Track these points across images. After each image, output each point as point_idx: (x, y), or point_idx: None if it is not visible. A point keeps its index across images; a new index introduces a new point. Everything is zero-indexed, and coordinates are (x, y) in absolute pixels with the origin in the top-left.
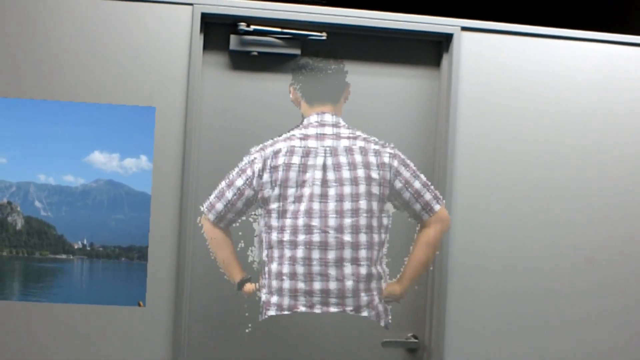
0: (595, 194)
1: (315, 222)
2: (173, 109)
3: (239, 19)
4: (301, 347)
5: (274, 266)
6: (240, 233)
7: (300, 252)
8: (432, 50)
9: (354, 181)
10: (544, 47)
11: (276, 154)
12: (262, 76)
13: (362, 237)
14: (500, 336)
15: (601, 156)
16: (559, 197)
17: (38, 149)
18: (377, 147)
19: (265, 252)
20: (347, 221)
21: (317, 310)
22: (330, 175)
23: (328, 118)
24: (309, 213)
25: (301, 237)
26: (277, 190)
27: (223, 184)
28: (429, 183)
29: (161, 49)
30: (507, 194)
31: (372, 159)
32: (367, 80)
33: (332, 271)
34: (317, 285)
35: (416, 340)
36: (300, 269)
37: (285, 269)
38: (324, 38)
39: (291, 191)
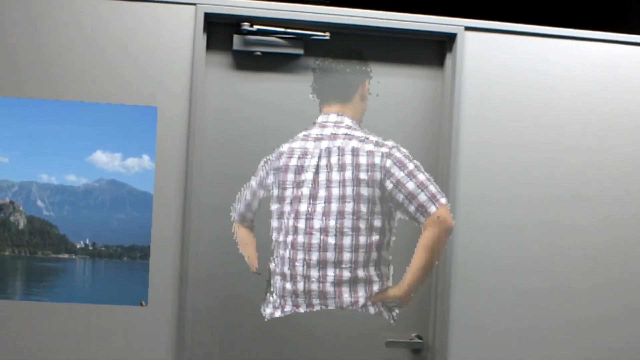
0: (599, 194)
1: (302, 224)
2: (176, 108)
3: (242, 18)
4: (305, 347)
5: (272, 266)
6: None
7: (287, 253)
8: (435, 50)
9: (342, 183)
10: (547, 46)
11: (280, 155)
12: (265, 76)
13: (347, 240)
14: (504, 336)
15: (605, 156)
16: (563, 197)
17: (40, 149)
18: (370, 147)
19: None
20: (332, 223)
21: (302, 310)
22: (322, 177)
23: (332, 118)
24: (297, 214)
25: (289, 238)
26: (276, 192)
27: (245, 184)
28: (427, 184)
29: (164, 48)
30: (510, 194)
31: (363, 160)
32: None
33: (315, 273)
34: (300, 286)
35: (420, 341)
36: (287, 270)
37: (278, 268)
38: (327, 38)
39: (288, 192)
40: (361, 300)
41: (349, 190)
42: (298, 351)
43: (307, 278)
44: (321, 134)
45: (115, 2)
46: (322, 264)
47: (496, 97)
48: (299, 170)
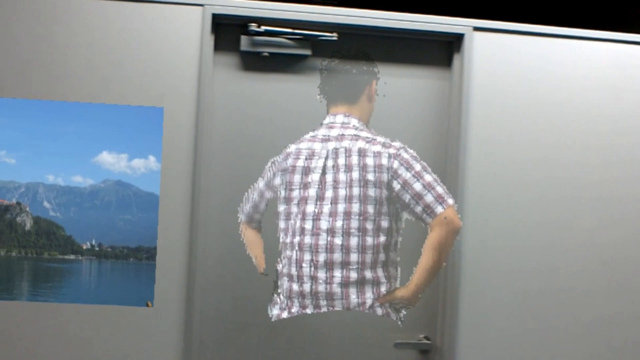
0: (609, 195)
1: (308, 225)
2: (183, 109)
3: (250, 19)
4: (313, 347)
5: (279, 267)
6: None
7: (294, 254)
8: (443, 51)
9: (349, 183)
10: (555, 46)
11: (287, 156)
12: (272, 77)
13: (353, 241)
14: (512, 338)
15: (614, 156)
16: (572, 198)
17: (47, 150)
18: (378, 148)
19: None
20: (339, 224)
21: (309, 312)
22: (329, 178)
23: (339, 119)
24: (304, 215)
25: (296, 239)
26: (283, 193)
27: (252, 185)
28: (434, 184)
29: (171, 49)
30: (519, 195)
31: (370, 161)
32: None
33: (322, 274)
34: (307, 287)
35: (428, 342)
36: (294, 271)
37: (285, 269)
38: (335, 39)
39: (295, 193)
40: (368, 302)
41: (355, 191)
42: (306, 352)
43: (314, 279)
44: (328, 135)
45: (123, 3)
46: (329, 265)
47: (504, 97)
48: (306, 171)
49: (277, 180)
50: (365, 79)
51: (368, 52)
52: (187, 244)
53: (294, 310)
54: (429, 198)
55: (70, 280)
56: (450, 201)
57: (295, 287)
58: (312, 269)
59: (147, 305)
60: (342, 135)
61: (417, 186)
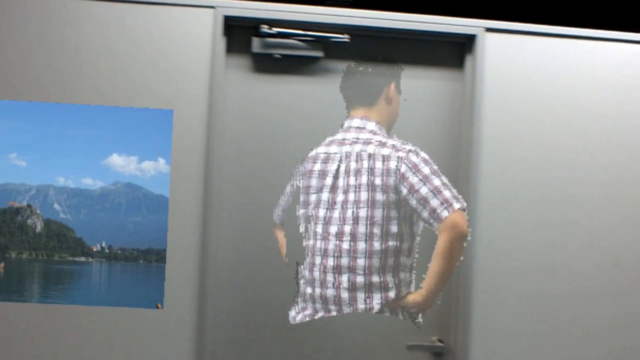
0: (623, 196)
1: (320, 229)
2: (193, 112)
3: (261, 21)
4: (326, 350)
5: (301, 269)
6: None
7: (309, 258)
8: (455, 52)
9: (358, 188)
10: (569, 47)
11: (307, 160)
12: (284, 79)
13: (360, 245)
14: (526, 340)
15: (629, 157)
16: (586, 199)
17: (57, 152)
18: (387, 151)
19: None
20: (347, 229)
21: (319, 315)
22: (340, 182)
23: (356, 122)
24: (316, 219)
25: (310, 243)
26: (302, 197)
27: (289, 187)
28: (442, 189)
29: (182, 52)
30: (532, 196)
31: (379, 165)
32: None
33: (330, 278)
34: (317, 292)
35: (441, 344)
36: (308, 274)
37: (302, 273)
38: (347, 40)
39: (312, 198)
40: (376, 307)
41: (364, 196)
42: (319, 355)
43: (323, 283)
44: (344, 139)
45: (133, 6)
46: (337, 270)
47: (517, 98)
48: (322, 175)
49: (299, 184)
50: (383, 81)
51: (390, 53)
52: (199, 246)
53: (307, 312)
54: (434, 202)
55: (81, 282)
56: (457, 206)
57: (309, 290)
58: (322, 273)
59: (157, 307)
60: (357, 139)
61: (424, 190)
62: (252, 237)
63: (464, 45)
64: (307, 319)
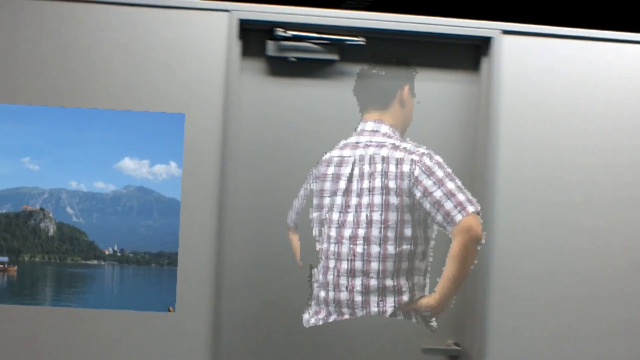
0: None
1: (333, 232)
2: (206, 115)
3: (276, 24)
4: (341, 353)
5: (314, 272)
6: None
7: (322, 261)
8: (470, 54)
9: (371, 191)
10: (587, 49)
11: (321, 163)
12: (299, 82)
13: (374, 249)
14: (544, 343)
15: None
16: (605, 201)
17: (70, 156)
18: (401, 154)
19: None
20: (360, 232)
21: (333, 318)
22: (354, 186)
23: (369, 126)
24: (330, 223)
25: (324, 246)
26: (316, 200)
27: (303, 190)
28: (456, 192)
29: (196, 55)
30: (549, 199)
31: (392, 168)
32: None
33: (344, 281)
34: (331, 295)
35: (458, 348)
36: (322, 278)
37: (316, 276)
38: (362, 43)
39: (325, 201)
40: (389, 310)
41: (377, 199)
42: (334, 358)
43: (337, 286)
44: (357, 142)
45: (148, 10)
46: (350, 273)
47: (534, 100)
48: (335, 178)
49: (312, 187)
50: (396, 84)
51: (405, 56)
52: (212, 248)
53: (320, 316)
54: (448, 206)
55: (93, 286)
56: (471, 209)
57: (322, 293)
58: (336, 276)
59: (169, 311)
60: (370, 142)
61: (438, 194)
62: (266, 240)
63: (479, 47)
64: (320, 322)
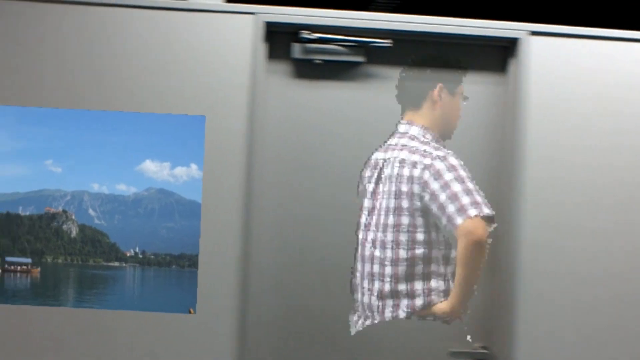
0: None
1: (361, 235)
2: (230, 117)
3: (302, 27)
4: (368, 356)
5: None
6: None
7: (354, 263)
8: (496, 56)
9: (388, 195)
10: (616, 50)
11: (365, 165)
12: (325, 84)
13: (388, 253)
14: (574, 347)
15: None
16: (635, 202)
17: (92, 159)
18: (416, 158)
19: None
20: (379, 235)
21: (361, 321)
22: (378, 188)
23: (402, 128)
24: (359, 226)
25: (357, 249)
26: (360, 202)
27: None
28: (461, 195)
29: (221, 58)
30: (578, 200)
31: (407, 172)
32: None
33: (366, 285)
34: (358, 298)
35: (485, 351)
36: (354, 280)
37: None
38: (389, 45)
39: (363, 203)
40: (402, 314)
41: (392, 203)
42: None
43: (362, 290)
44: (389, 144)
45: (171, 13)
46: (369, 277)
47: (563, 102)
48: (368, 181)
49: (359, 189)
50: (427, 85)
51: (443, 57)
52: (235, 250)
53: (354, 319)
54: (450, 209)
55: (114, 287)
56: (473, 212)
57: (356, 296)
58: (361, 279)
59: (190, 312)
60: (397, 144)
61: (442, 197)
62: (292, 243)
63: (506, 49)
64: (359, 326)
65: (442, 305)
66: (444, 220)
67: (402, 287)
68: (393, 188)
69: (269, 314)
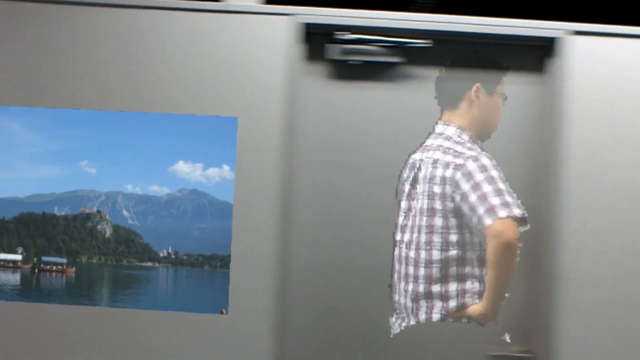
0: None
1: (398, 237)
2: (263, 118)
3: (339, 27)
4: (406, 358)
5: None
6: None
7: (392, 264)
8: (535, 55)
9: (422, 196)
10: None
11: (404, 166)
12: (362, 85)
13: (422, 254)
14: (618, 350)
15: None
16: None
17: (126, 160)
18: (449, 158)
19: None
20: (414, 237)
21: (398, 323)
22: (414, 189)
23: (439, 128)
24: (396, 226)
25: (395, 250)
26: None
27: None
28: (490, 196)
29: (257, 59)
30: (623, 201)
31: (439, 172)
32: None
33: (402, 286)
34: (395, 299)
35: (527, 355)
36: (392, 282)
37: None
38: (429, 45)
39: (401, 204)
40: (435, 316)
41: (425, 204)
42: None
43: (399, 291)
44: (426, 145)
45: (206, 15)
46: (405, 278)
47: (606, 102)
48: (405, 181)
49: (397, 190)
50: (464, 85)
51: (482, 56)
52: (267, 251)
53: (392, 321)
54: (480, 210)
55: (148, 287)
56: (503, 213)
57: (396, 298)
58: (398, 280)
59: (222, 313)
60: (432, 144)
61: (473, 198)
62: (328, 244)
63: (544, 48)
64: (397, 327)
65: (475, 307)
66: (474, 221)
67: (435, 288)
68: (427, 189)
69: (303, 316)
